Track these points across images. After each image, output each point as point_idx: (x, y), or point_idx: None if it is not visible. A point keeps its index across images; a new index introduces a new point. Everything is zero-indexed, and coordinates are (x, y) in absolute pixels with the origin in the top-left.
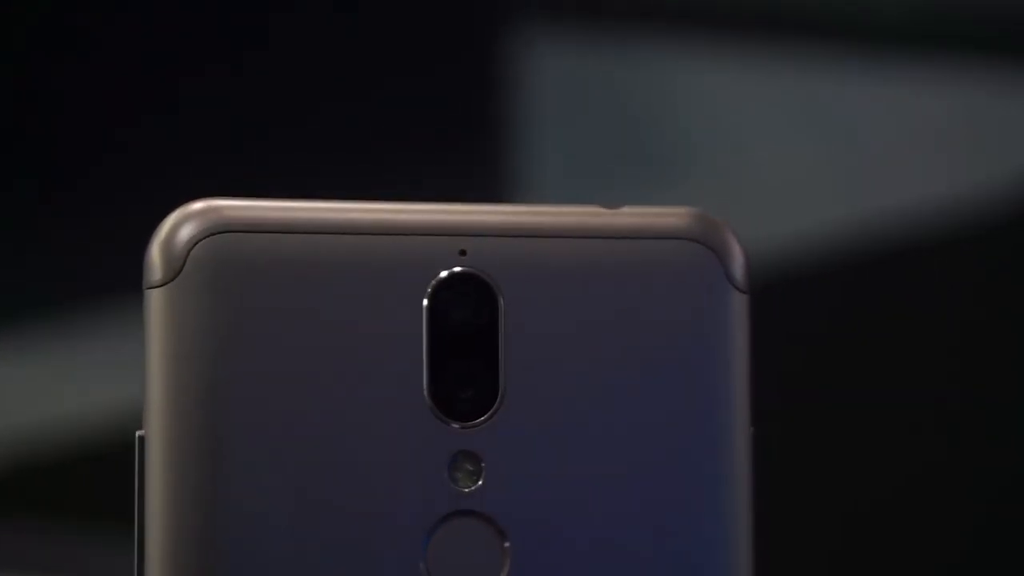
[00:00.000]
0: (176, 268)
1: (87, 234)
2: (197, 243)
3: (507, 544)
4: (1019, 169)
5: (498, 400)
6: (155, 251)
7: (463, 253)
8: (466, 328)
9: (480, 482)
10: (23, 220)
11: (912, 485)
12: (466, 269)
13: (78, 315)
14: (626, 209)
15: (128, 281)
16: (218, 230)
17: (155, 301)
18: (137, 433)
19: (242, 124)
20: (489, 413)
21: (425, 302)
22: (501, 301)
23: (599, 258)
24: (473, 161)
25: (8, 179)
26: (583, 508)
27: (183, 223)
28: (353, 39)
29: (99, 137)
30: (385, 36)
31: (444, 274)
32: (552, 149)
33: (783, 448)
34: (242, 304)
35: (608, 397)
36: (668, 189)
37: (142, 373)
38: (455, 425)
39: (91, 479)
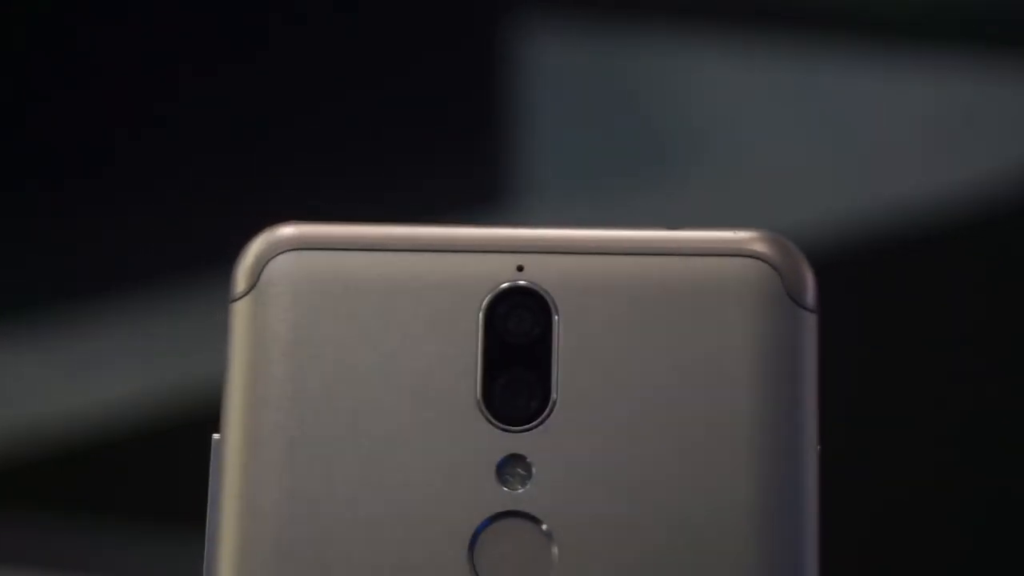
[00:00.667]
0: (251, 283)
1: (87, 230)
2: (269, 260)
3: (554, 547)
4: (1020, 161)
5: (549, 407)
6: (237, 268)
7: (520, 269)
8: (520, 339)
9: (528, 484)
10: (26, 215)
11: (912, 481)
12: (522, 283)
13: (83, 309)
14: (683, 231)
15: (132, 276)
16: (290, 248)
17: (234, 314)
18: (213, 436)
19: (239, 121)
20: (539, 419)
21: (481, 313)
22: (555, 313)
23: (655, 275)
24: (473, 155)
25: (9, 177)
26: (630, 515)
27: (261, 243)
28: (351, 33)
29: (98, 136)
30: (383, 30)
31: (501, 287)
32: (553, 142)
33: None
34: (311, 317)
35: (658, 409)
36: (670, 182)
37: (222, 380)
38: (505, 430)
39: (91, 473)
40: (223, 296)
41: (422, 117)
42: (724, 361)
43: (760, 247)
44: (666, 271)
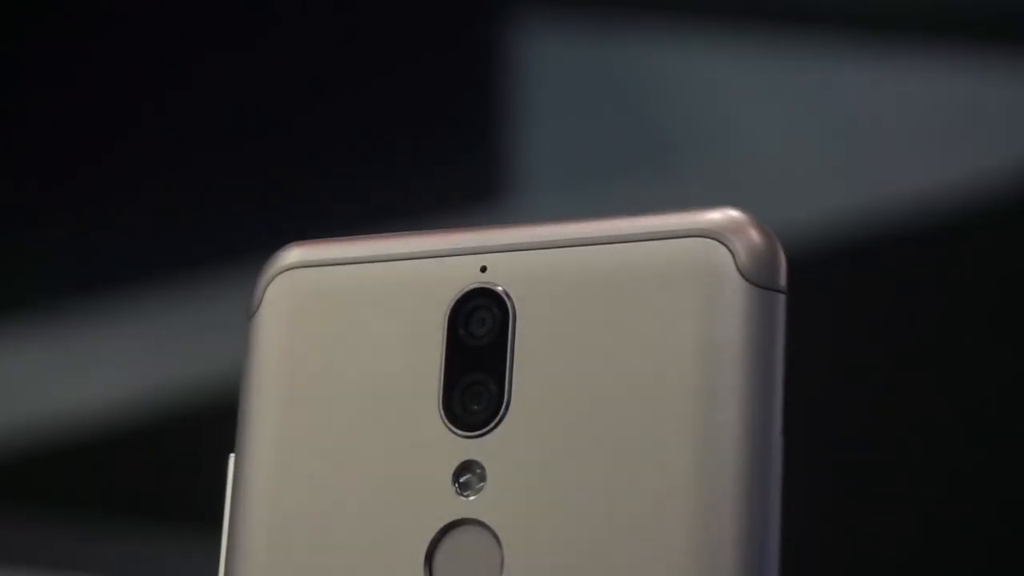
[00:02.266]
0: (258, 302)
1: (87, 226)
2: (272, 280)
3: (505, 553)
4: (1014, 155)
5: (503, 411)
6: (254, 287)
7: (484, 270)
8: (481, 341)
9: (482, 491)
10: (29, 212)
11: (912, 476)
12: (481, 284)
13: (82, 305)
14: (641, 216)
15: (126, 274)
16: (288, 267)
17: (248, 330)
18: (231, 455)
19: (234, 118)
20: (494, 424)
21: (445, 317)
22: (513, 313)
23: (612, 263)
24: (468, 152)
25: (10, 176)
26: (580, 521)
27: (267, 264)
28: (345, 30)
29: (99, 134)
30: (378, 27)
31: (464, 289)
32: (548, 138)
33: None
34: (297, 331)
35: (610, 408)
36: (666, 178)
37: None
38: (462, 435)
39: (88, 471)
40: (219, 294)
41: (417, 114)
42: (673, 349)
43: (713, 225)
44: (623, 259)
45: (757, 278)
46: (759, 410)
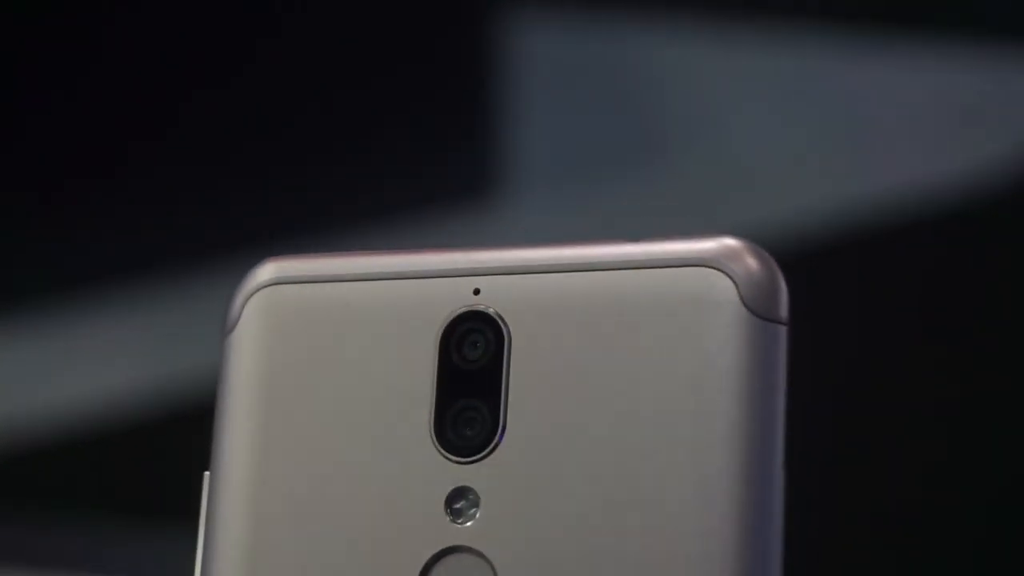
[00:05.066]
0: (236, 319)
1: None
2: (251, 297)
3: None
4: (1014, 148)
5: (498, 437)
6: (230, 303)
7: (477, 292)
8: (474, 365)
9: (475, 518)
10: (24, 213)
11: (910, 474)
12: (475, 307)
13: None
14: (641, 243)
15: (119, 270)
16: (268, 283)
17: (224, 348)
18: (205, 474)
19: (228, 116)
20: (488, 450)
21: (437, 340)
22: (508, 337)
23: (610, 290)
24: (461, 146)
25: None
26: (577, 550)
27: (245, 281)
28: (337, 25)
29: (96, 135)
30: (370, 22)
31: (457, 311)
32: (541, 133)
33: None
34: (278, 350)
35: (607, 434)
36: (660, 172)
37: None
38: (455, 461)
39: (82, 468)
40: (212, 291)
41: (409, 109)
42: (676, 380)
43: (716, 256)
44: (622, 286)
45: (760, 309)
46: (760, 442)
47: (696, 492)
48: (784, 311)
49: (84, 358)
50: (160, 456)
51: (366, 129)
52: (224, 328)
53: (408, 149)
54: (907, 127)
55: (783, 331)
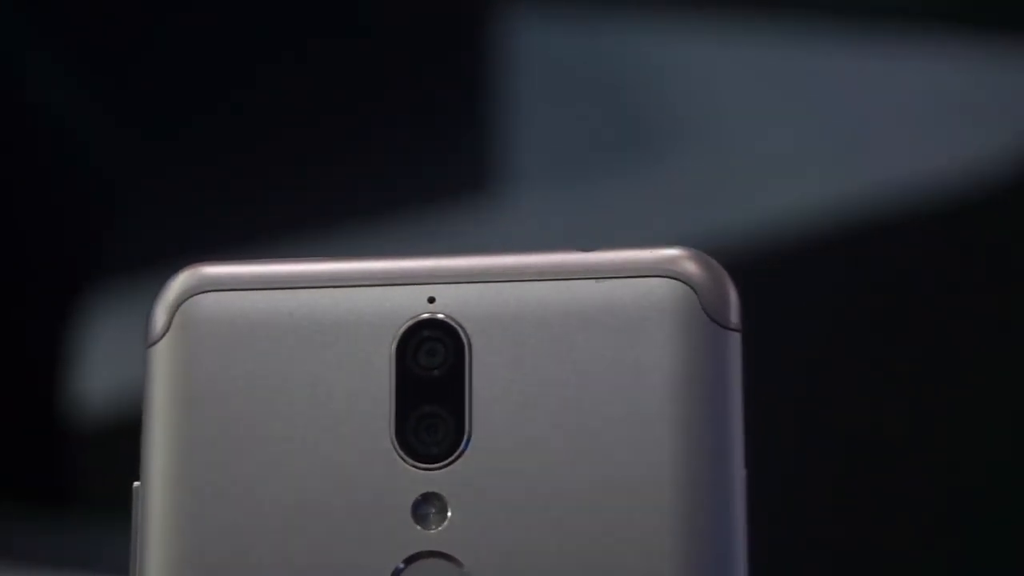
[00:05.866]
0: (164, 327)
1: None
2: (182, 303)
3: None
4: (1008, 144)
5: (463, 443)
6: (154, 309)
7: (431, 300)
8: (433, 373)
9: (444, 523)
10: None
11: (908, 475)
12: (432, 315)
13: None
14: (597, 252)
15: (121, 268)
16: (200, 290)
17: (151, 357)
18: (135, 484)
19: (221, 113)
20: (454, 456)
21: (392, 348)
22: (467, 346)
23: (569, 300)
24: (453, 143)
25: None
26: (547, 551)
27: (176, 285)
28: (330, 24)
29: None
30: (364, 20)
31: (411, 320)
32: (536, 129)
33: (777, 435)
34: (221, 358)
35: (575, 440)
36: (653, 168)
37: (142, 426)
38: (420, 467)
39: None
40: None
41: (403, 107)
42: (641, 388)
43: (677, 266)
44: (581, 295)
45: (719, 317)
46: (727, 443)
47: (674, 495)
48: (737, 318)
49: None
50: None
51: (362, 128)
52: (148, 338)
53: (404, 148)
54: (903, 123)
55: (738, 337)
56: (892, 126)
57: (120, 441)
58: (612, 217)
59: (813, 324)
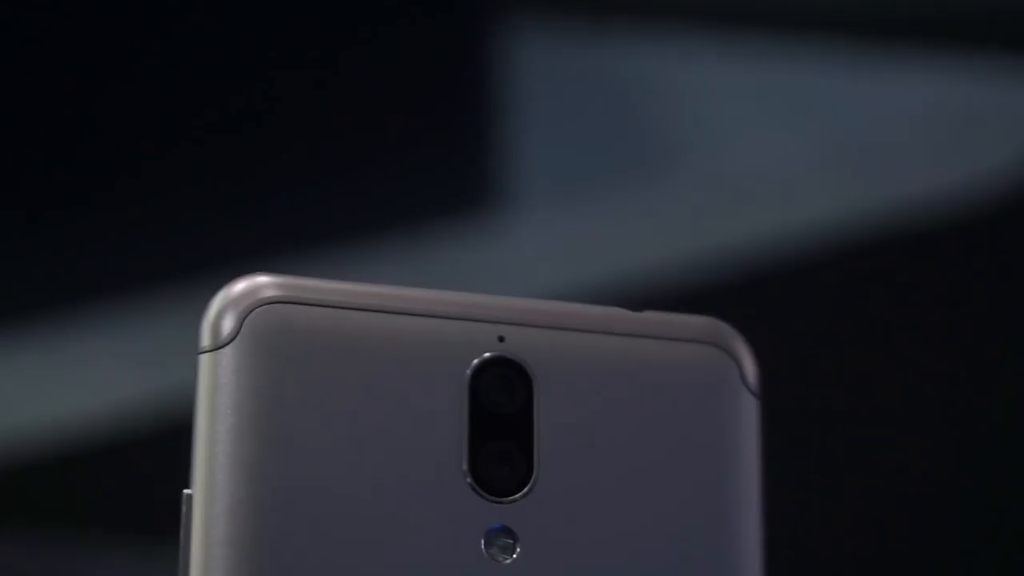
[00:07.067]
0: (232, 334)
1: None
2: (252, 311)
3: None
4: (1008, 160)
5: (533, 478)
6: (213, 316)
7: (502, 339)
8: (504, 409)
9: (515, 556)
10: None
11: (914, 485)
12: (506, 354)
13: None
14: (649, 312)
15: (120, 282)
16: (272, 300)
17: (210, 364)
18: (184, 492)
19: (220, 122)
20: (525, 490)
21: (467, 382)
22: (536, 386)
23: (625, 354)
24: (455, 158)
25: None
26: None
27: (241, 293)
28: (330, 33)
29: (96, 142)
30: (365, 31)
31: (487, 356)
32: (540, 144)
33: (779, 443)
34: (291, 373)
35: (636, 483)
36: (657, 185)
37: (192, 434)
38: (492, 501)
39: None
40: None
41: (405, 120)
42: (688, 440)
43: (719, 336)
44: (637, 352)
45: (752, 387)
46: (757, 499)
47: (712, 544)
48: (759, 386)
49: (79, 373)
50: (151, 472)
51: (362, 145)
52: (212, 341)
53: (404, 164)
54: (911, 138)
55: (759, 404)
56: (902, 144)
57: None
58: (615, 236)
59: (822, 342)
